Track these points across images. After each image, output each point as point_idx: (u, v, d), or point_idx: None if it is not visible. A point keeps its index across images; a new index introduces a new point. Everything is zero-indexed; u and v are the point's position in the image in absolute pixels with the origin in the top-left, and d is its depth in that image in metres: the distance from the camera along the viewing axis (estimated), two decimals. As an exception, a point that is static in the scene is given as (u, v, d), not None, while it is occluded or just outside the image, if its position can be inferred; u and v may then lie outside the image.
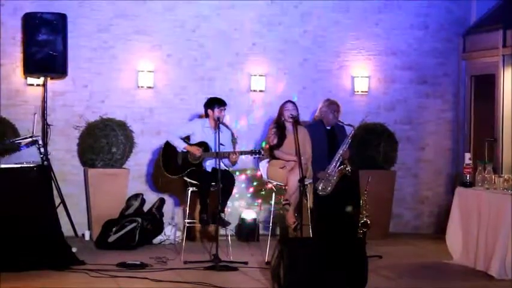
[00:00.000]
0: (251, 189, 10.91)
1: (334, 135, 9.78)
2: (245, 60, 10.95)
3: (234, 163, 9.09)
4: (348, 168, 9.50)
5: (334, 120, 9.77)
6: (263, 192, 10.73)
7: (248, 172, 10.86)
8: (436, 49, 11.50)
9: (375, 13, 11.29)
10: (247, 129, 10.93)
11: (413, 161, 11.48)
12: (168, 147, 9.19)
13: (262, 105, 10.99)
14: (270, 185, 9.51)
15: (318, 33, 11.14)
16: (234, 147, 9.70)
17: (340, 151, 9.54)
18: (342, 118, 9.89)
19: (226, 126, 9.77)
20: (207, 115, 9.21)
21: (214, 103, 9.16)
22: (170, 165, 9.16)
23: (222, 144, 8.82)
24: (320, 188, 9.47)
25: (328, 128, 9.83)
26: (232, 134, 10.04)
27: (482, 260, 8.49)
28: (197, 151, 9.03)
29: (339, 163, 9.53)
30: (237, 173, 10.57)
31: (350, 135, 9.59)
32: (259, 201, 10.85)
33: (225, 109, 9.17)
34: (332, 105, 9.81)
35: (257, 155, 9.11)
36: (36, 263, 8.13)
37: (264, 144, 9.36)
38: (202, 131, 9.18)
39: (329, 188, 9.48)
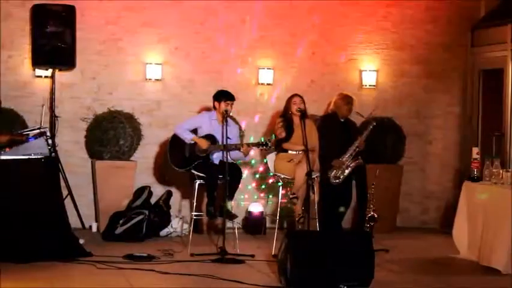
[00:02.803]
0: (258, 183, 10.91)
1: (348, 128, 9.93)
2: (253, 53, 10.94)
3: (246, 154, 9.10)
4: (361, 161, 9.63)
5: (348, 113, 9.94)
6: (270, 182, 10.73)
7: (255, 165, 10.86)
8: (445, 43, 11.47)
9: (384, 7, 11.26)
10: (254, 123, 10.92)
11: (421, 155, 11.46)
12: (175, 140, 9.19)
13: (269, 98, 10.98)
14: (277, 178, 9.51)
15: (326, 27, 11.12)
16: (241, 141, 9.69)
17: (357, 142, 9.64)
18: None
19: (234, 120, 9.77)
20: (215, 108, 9.21)
21: (221, 96, 9.15)
22: (177, 157, 9.16)
23: (229, 138, 8.82)
24: (332, 175, 9.54)
25: (342, 120, 9.92)
26: (240, 128, 10.04)
27: (489, 255, 8.47)
28: (204, 144, 9.02)
29: (354, 153, 9.61)
30: (247, 159, 10.51)
31: (369, 128, 9.72)
32: (266, 194, 10.86)
33: (232, 103, 9.15)
34: (346, 98, 9.96)
35: (264, 147, 9.10)
36: (43, 254, 8.16)
37: (273, 137, 9.36)
38: (210, 124, 9.17)
39: (341, 177, 9.56)
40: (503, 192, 8.35)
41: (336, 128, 9.86)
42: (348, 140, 9.77)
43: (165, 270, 7.96)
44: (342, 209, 9.81)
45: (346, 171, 9.64)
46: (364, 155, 9.95)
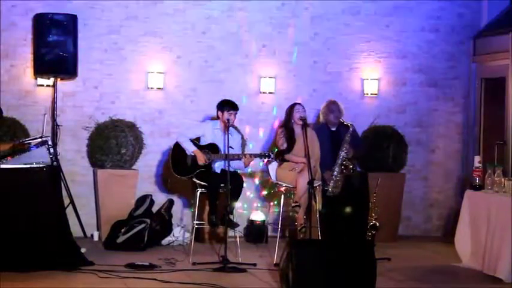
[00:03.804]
0: (260, 191, 10.91)
1: (339, 136, 9.71)
2: (255, 62, 10.95)
3: (247, 165, 9.10)
4: (351, 167, 9.46)
5: (335, 120, 9.76)
6: (271, 192, 10.73)
7: (257, 174, 10.85)
8: (447, 52, 11.47)
9: (386, 15, 11.27)
10: (256, 132, 10.93)
11: (423, 164, 11.45)
12: (177, 148, 9.20)
13: (271, 107, 10.99)
14: (279, 187, 9.51)
15: (328, 36, 11.13)
16: (243, 150, 9.70)
17: (342, 153, 9.48)
18: (352, 120, 9.90)
19: (236, 129, 9.77)
20: (218, 117, 9.22)
21: (225, 106, 9.16)
22: (179, 166, 9.16)
23: (231, 147, 8.83)
24: (330, 189, 9.44)
25: (333, 129, 9.82)
26: (242, 137, 10.06)
27: (491, 264, 8.46)
28: (202, 160, 9.02)
29: (342, 162, 9.47)
30: (249, 170, 10.53)
31: (348, 134, 9.52)
32: (268, 203, 10.85)
33: (235, 113, 9.16)
34: (331, 105, 9.81)
35: (266, 158, 9.11)
36: (45, 263, 8.15)
37: (275, 150, 9.33)
38: (213, 133, 9.18)
39: (336, 189, 9.44)
40: (508, 201, 8.33)
41: (325, 139, 9.69)
42: (339, 148, 9.63)
43: (166, 279, 7.95)
44: (348, 209, 9.65)
45: (340, 182, 9.47)
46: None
